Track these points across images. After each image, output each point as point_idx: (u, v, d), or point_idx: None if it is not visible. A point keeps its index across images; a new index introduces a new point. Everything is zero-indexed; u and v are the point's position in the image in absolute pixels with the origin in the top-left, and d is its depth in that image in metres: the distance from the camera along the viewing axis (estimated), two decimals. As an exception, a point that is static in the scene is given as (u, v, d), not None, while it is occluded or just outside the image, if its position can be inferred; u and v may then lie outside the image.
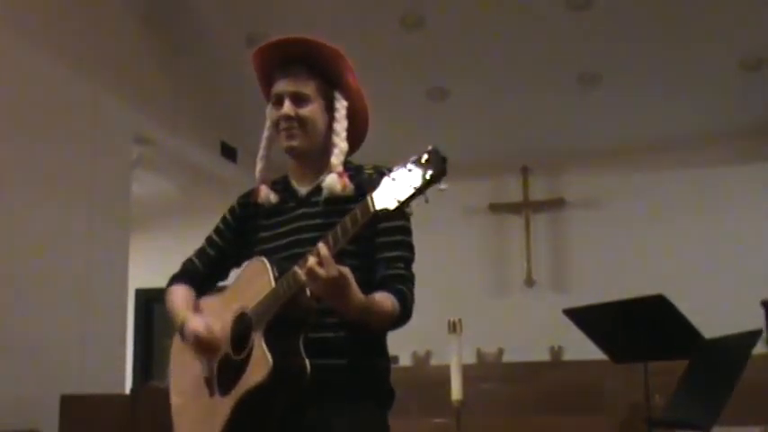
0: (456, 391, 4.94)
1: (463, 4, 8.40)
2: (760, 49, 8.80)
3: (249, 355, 2.42)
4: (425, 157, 2.06)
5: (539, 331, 9.74)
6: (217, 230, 2.94)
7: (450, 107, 9.78)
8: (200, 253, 2.95)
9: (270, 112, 2.74)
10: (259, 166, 2.83)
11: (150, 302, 11.17)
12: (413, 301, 2.57)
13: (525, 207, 10.72)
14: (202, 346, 2.58)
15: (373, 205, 2.13)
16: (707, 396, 4.57)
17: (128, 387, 8.57)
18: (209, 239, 2.95)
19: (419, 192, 2.06)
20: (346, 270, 2.27)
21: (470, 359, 9.71)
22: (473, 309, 8.77)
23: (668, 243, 9.97)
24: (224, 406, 2.47)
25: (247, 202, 2.85)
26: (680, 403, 4.79)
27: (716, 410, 4.41)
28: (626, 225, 10.24)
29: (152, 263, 10.12)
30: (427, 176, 2.04)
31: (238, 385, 2.43)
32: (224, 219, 2.92)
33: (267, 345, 2.36)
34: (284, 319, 2.38)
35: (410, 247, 2.66)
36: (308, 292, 2.36)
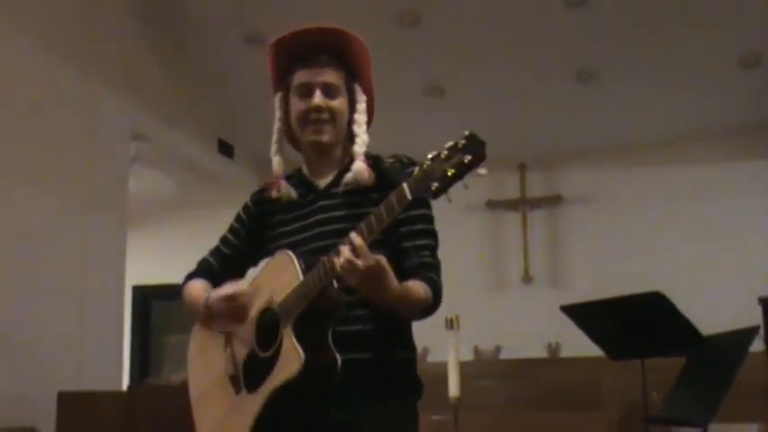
0: (453, 388, 4.96)
1: (460, 0, 8.40)
2: (758, 46, 8.79)
3: (278, 351, 2.38)
4: (463, 142, 2.04)
5: (536, 328, 9.74)
6: (231, 229, 2.88)
7: (446, 104, 9.77)
8: (216, 252, 2.89)
9: (294, 103, 2.68)
10: (275, 161, 2.79)
11: (147, 299, 11.17)
12: (442, 289, 2.54)
13: (522, 204, 10.71)
14: (235, 303, 2.51)
15: (411, 192, 2.09)
16: (704, 393, 4.58)
17: (125, 384, 8.58)
18: (223, 238, 2.89)
19: (457, 177, 2.02)
20: (382, 258, 2.24)
21: (467, 356, 9.70)
22: (470, 305, 8.75)
23: (666, 240, 9.97)
24: (253, 402, 2.44)
25: (262, 199, 2.82)
26: (677, 400, 4.80)
27: (713, 407, 4.42)
28: (623, 222, 10.24)
29: (149, 259, 10.17)
30: (465, 161, 2.01)
31: (268, 381, 2.39)
32: (238, 217, 2.88)
33: (297, 339, 2.33)
34: (313, 312, 2.35)
35: (435, 235, 2.64)
36: (336, 285, 2.34)
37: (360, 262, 2.18)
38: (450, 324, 4.99)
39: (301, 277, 2.37)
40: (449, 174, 2.02)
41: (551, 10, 8.40)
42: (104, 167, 7.62)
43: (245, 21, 8.65)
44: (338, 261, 2.22)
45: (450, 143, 2.05)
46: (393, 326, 2.55)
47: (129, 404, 5.94)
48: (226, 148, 10.04)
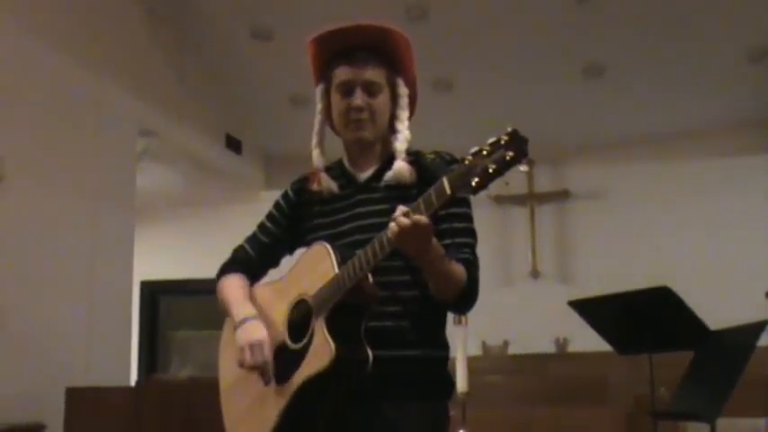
0: (461, 383, 4.95)
1: (468, -5, 8.41)
2: (766, 41, 8.78)
3: (309, 343, 2.38)
4: (505, 138, 2.02)
5: (544, 323, 9.74)
6: (270, 217, 2.85)
7: (454, 99, 9.77)
8: (252, 240, 2.86)
9: (336, 101, 2.65)
10: (315, 152, 2.75)
11: (155, 294, 11.18)
12: (478, 285, 2.54)
13: (530, 199, 10.71)
14: (255, 359, 2.49)
15: (449, 188, 2.08)
16: (712, 388, 4.57)
17: (133, 379, 8.60)
18: (261, 226, 2.86)
19: (498, 173, 2.00)
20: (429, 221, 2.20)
21: (475, 351, 9.71)
22: (478, 301, 8.75)
23: (673, 234, 9.95)
24: (280, 394, 2.43)
25: (302, 188, 2.79)
26: (685, 395, 4.79)
27: (721, 402, 4.41)
28: (631, 216, 10.23)
29: (157, 255, 10.17)
30: (507, 157, 2.00)
31: (298, 372, 2.38)
32: (277, 205, 2.84)
33: (329, 332, 2.31)
34: (347, 306, 2.33)
35: (474, 234, 2.63)
36: (371, 279, 2.33)
37: (409, 220, 2.15)
38: (458, 319, 4.98)
39: (336, 270, 2.36)
40: (490, 170, 2.00)
41: (559, 6, 8.40)
42: (112, 163, 7.64)
43: (252, 16, 8.65)
44: (390, 227, 2.20)
45: (493, 139, 2.04)
46: (425, 323, 2.54)
47: (136, 399, 5.94)
48: (233, 144, 10.05)
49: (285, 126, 9.89)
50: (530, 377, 8.65)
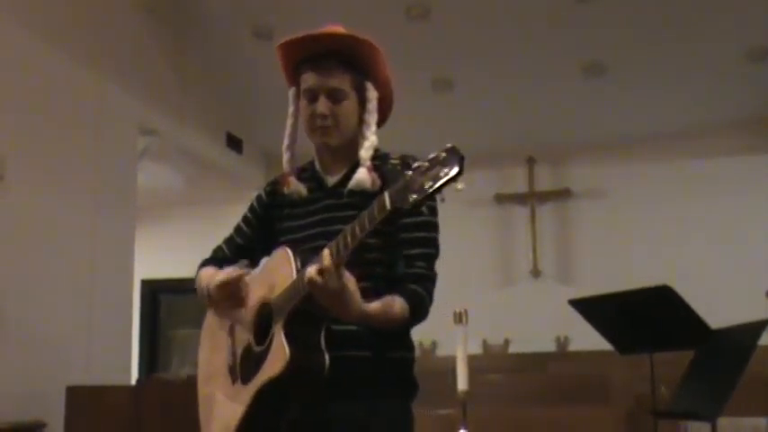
0: (462, 382, 4.95)
1: (468, -6, 8.41)
2: (766, 39, 8.78)
3: (269, 346, 2.40)
4: (443, 155, 2.01)
5: (544, 322, 9.75)
6: (244, 219, 2.90)
7: (455, 98, 9.78)
8: (229, 241, 2.93)
9: (303, 107, 2.67)
10: (285, 156, 2.78)
11: (156, 293, 11.20)
12: (430, 301, 2.53)
13: (531, 198, 10.71)
14: (230, 289, 2.57)
15: (391, 203, 2.07)
16: (713, 387, 4.57)
17: (133, 378, 8.59)
18: (236, 228, 2.92)
19: (436, 191, 2.00)
20: (351, 281, 2.24)
21: (476, 350, 9.72)
22: (479, 299, 8.76)
23: (674, 234, 9.96)
24: (244, 394, 2.46)
25: (275, 190, 2.82)
26: (685, 394, 4.79)
27: (722, 401, 4.41)
28: (632, 215, 10.23)
29: (158, 254, 10.18)
30: (442, 175, 1.99)
31: (258, 375, 2.40)
32: (251, 207, 2.89)
33: (286, 337, 2.33)
34: (305, 311, 2.35)
35: (433, 244, 2.61)
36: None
37: (321, 282, 2.18)
38: (459, 318, 4.97)
39: (295, 275, 2.38)
40: (426, 186, 2.00)
41: (560, 4, 8.40)
42: (113, 162, 7.64)
43: (253, 15, 8.65)
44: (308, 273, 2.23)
45: (432, 155, 2.03)
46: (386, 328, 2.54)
47: (137, 398, 5.95)
48: (234, 143, 10.05)
49: (286, 125, 9.88)
50: (530, 376, 8.65)
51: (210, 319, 2.83)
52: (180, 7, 8.63)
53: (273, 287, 2.46)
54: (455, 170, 1.98)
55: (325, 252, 2.21)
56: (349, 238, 2.18)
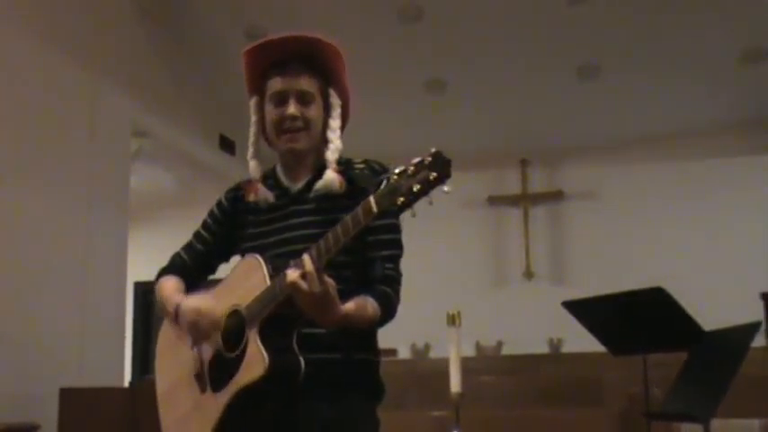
0: (455, 384, 4.94)
1: (462, -4, 8.42)
2: (761, 41, 8.80)
3: (243, 353, 2.40)
4: (429, 159, 2.05)
5: (538, 324, 9.76)
6: (204, 225, 2.89)
7: (448, 99, 9.78)
8: (188, 248, 2.90)
9: (269, 111, 2.68)
10: (252, 164, 2.79)
11: (149, 295, 11.16)
12: (398, 301, 2.57)
13: (524, 199, 10.73)
14: (202, 322, 2.54)
15: (377, 206, 2.10)
16: (706, 388, 4.57)
17: (126, 380, 8.59)
18: (196, 234, 2.90)
19: (423, 193, 2.04)
20: (331, 285, 2.26)
21: (469, 352, 9.72)
22: (472, 301, 8.77)
23: (667, 235, 9.98)
24: (216, 402, 2.46)
25: (236, 197, 2.82)
26: (679, 396, 4.79)
27: (715, 403, 4.42)
28: (625, 217, 10.25)
29: (151, 255, 10.07)
30: (431, 179, 2.03)
31: (232, 382, 2.41)
32: (211, 213, 2.88)
33: (263, 342, 2.35)
34: (279, 317, 2.37)
35: (399, 245, 2.64)
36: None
37: (305, 286, 2.22)
38: (452, 320, 4.97)
39: (268, 282, 2.39)
40: (414, 189, 2.04)
41: (553, 6, 8.41)
42: (106, 163, 7.63)
43: (245, 17, 8.65)
44: (290, 277, 2.25)
45: (417, 159, 2.07)
46: (357, 330, 2.55)
47: (130, 400, 5.94)
48: (227, 144, 10.05)
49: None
50: (523, 378, 8.63)
51: (168, 333, 2.82)
52: (173, 9, 8.63)
53: (244, 294, 2.45)
54: (442, 174, 2.03)
55: (306, 257, 2.24)
56: (332, 242, 2.21)
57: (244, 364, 2.39)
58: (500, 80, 9.55)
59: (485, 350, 10.25)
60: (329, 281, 2.26)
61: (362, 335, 2.59)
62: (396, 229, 2.64)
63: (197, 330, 2.56)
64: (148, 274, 10.02)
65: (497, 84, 9.61)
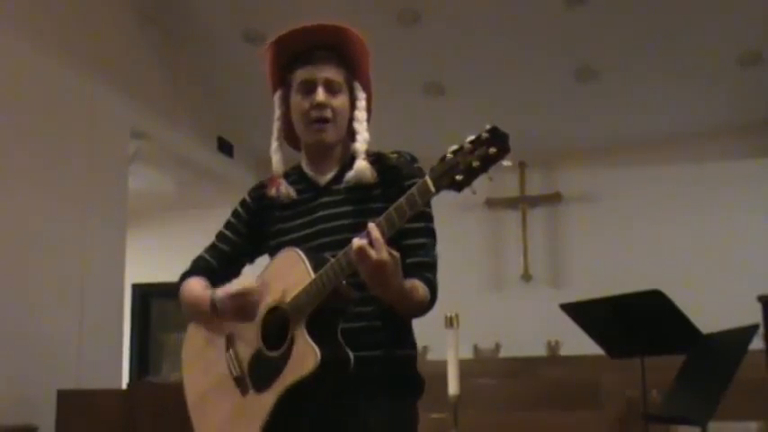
0: (453, 387, 4.94)
1: (460, -1, 8.42)
2: (758, 45, 8.80)
3: (288, 350, 2.36)
4: (486, 134, 2.04)
5: (535, 326, 9.76)
6: (228, 225, 2.83)
7: (446, 103, 9.78)
8: (212, 249, 2.83)
9: (297, 102, 2.64)
10: (274, 159, 2.76)
11: (147, 297, 11.17)
12: (437, 289, 2.54)
13: (522, 202, 10.73)
14: (245, 300, 2.45)
15: (435, 186, 2.08)
16: (703, 391, 4.57)
17: (125, 382, 8.58)
18: (219, 235, 2.84)
19: (483, 169, 2.03)
20: (396, 255, 2.23)
21: (467, 354, 9.72)
22: (470, 304, 8.74)
23: (665, 238, 9.98)
24: (263, 402, 2.41)
25: (261, 195, 2.78)
26: (676, 398, 4.79)
27: (712, 406, 4.41)
28: (623, 220, 10.25)
29: (149, 258, 10.16)
30: (490, 153, 2.02)
31: (280, 380, 2.36)
32: (236, 213, 2.84)
33: (312, 337, 2.31)
34: (325, 310, 2.34)
35: (433, 233, 2.62)
36: (346, 282, 2.34)
37: (373, 253, 2.17)
38: (450, 322, 4.97)
39: (312, 275, 2.35)
40: (473, 165, 2.02)
41: (551, 9, 8.41)
42: (104, 166, 7.63)
43: (244, 19, 8.65)
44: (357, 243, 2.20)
45: (473, 136, 2.06)
46: (396, 323, 2.54)
47: (128, 402, 5.94)
48: (225, 147, 10.05)
49: (273, 129, 9.88)
50: (521, 380, 8.63)
51: (195, 338, 2.74)
52: (171, 11, 8.62)
53: (285, 290, 2.42)
54: (502, 148, 2.02)
55: (371, 225, 2.20)
56: (386, 226, 2.19)
57: (292, 361, 2.35)
58: (498, 82, 9.55)
59: (483, 352, 10.25)
60: (393, 252, 2.22)
61: (402, 329, 2.59)
62: (429, 217, 2.62)
63: (245, 313, 2.48)
64: (147, 276, 10.02)
65: (495, 86, 9.61)
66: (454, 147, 2.07)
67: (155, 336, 11.15)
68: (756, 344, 4.67)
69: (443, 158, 2.08)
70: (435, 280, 2.54)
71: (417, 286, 2.44)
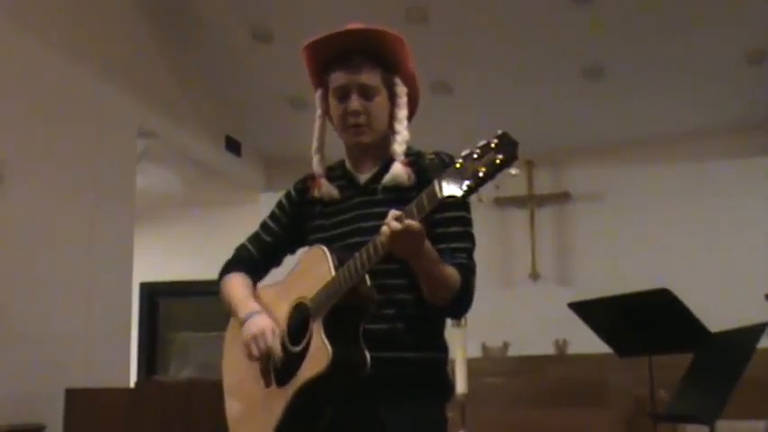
0: (461, 385, 4.95)
1: (467, -3, 8.41)
2: (764, 43, 8.78)
3: (308, 346, 2.38)
4: (495, 141, 2.03)
5: (543, 325, 9.74)
6: (272, 216, 2.85)
7: (453, 101, 9.77)
8: (255, 239, 2.86)
9: (333, 106, 2.64)
10: (315, 158, 2.75)
11: (155, 296, 11.18)
12: (473, 290, 2.53)
13: (530, 201, 10.70)
14: (261, 344, 2.50)
15: (441, 191, 2.08)
16: (711, 390, 4.57)
17: (132, 381, 8.59)
18: (263, 225, 2.86)
19: (489, 177, 2.01)
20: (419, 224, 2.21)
21: (475, 353, 9.71)
22: (478, 302, 8.69)
23: (673, 237, 9.95)
24: (280, 397, 2.43)
25: (304, 188, 2.78)
26: (684, 397, 4.79)
27: (720, 404, 4.41)
28: (631, 218, 10.22)
29: (156, 256, 10.18)
30: (498, 161, 2.00)
31: (297, 376, 2.38)
32: (280, 204, 2.85)
33: (326, 334, 2.32)
34: (344, 309, 2.34)
35: (471, 238, 2.61)
36: (369, 282, 2.34)
37: (397, 225, 2.16)
38: (458, 321, 4.97)
39: (333, 273, 2.36)
40: (480, 173, 2.01)
41: (558, 7, 8.40)
42: (112, 164, 7.64)
43: (252, 18, 8.65)
44: (383, 231, 2.20)
45: (483, 142, 2.04)
46: (422, 326, 2.53)
47: (136, 401, 5.94)
48: (233, 146, 10.05)
49: (285, 128, 9.90)
50: (529, 379, 8.64)
51: (236, 325, 2.76)
52: (179, 9, 8.63)
53: (309, 286, 2.43)
54: (509, 156, 2.00)
55: (392, 211, 2.20)
56: (415, 212, 2.18)
57: (308, 358, 2.36)
58: (505, 81, 9.54)
59: (491, 351, 10.24)
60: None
61: (429, 331, 2.58)
62: (466, 221, 2.61)
63: (254, 350, 2.52)
64: (154, 275, 10.04)
65: (502, 85, 9.60)
66: (465, 152, 2.06)
67: (162, 334, 11.16)
68: (764, 342, 4.66)
69: (454, 164, 2.08)
70: (472, 282, 2.53)
71: (452, 273, 2.42)
